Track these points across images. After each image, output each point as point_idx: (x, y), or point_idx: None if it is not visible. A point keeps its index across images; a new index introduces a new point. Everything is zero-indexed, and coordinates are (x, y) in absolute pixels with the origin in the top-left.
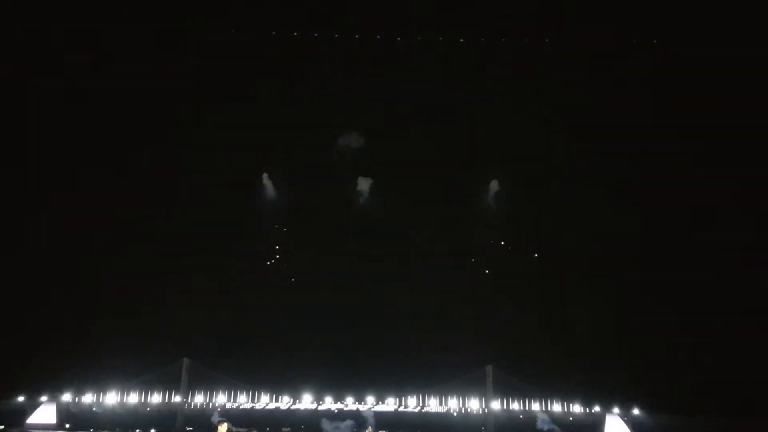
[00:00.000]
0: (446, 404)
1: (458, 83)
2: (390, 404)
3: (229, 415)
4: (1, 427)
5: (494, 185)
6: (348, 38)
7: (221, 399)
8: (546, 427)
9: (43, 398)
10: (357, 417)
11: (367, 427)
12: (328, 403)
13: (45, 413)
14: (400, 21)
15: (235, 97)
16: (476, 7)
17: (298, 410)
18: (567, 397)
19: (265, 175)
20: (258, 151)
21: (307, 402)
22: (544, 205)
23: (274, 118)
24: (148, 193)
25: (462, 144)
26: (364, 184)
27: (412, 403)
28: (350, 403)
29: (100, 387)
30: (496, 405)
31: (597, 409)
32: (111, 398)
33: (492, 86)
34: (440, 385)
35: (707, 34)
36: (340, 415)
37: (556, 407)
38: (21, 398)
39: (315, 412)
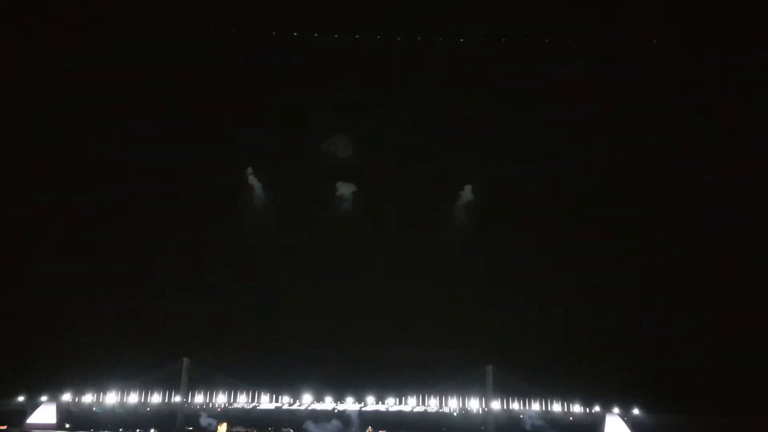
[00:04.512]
0: (446, 404)
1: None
2: (374, 403)
3: (229, 415)
4: (4, 427)
5: (468, 191)
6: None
7: (221, 399)
8: (536, 423)
9: (43, 398)
10: (341, 417)
11: (367, 428)
12: (312, 403)
13: (45, 413)
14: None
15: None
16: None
17: (281, 410)
18: (567, 397)
19: (249, 169)
20: (245, 149)
21: (299, 402)
22: (539, 206)
23: (263, 115)
24: (145, 193)
25: (447, 149)
26: (347, 188)
27: (412, 403)
28: (335, 403)
29: (100, 387)
30: (496, 405)
31: (597, 409)
32: (111, 398)
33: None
34: (440, 385)
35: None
36: (326, 416)
37: (556, 407)
38: (21, 398)
39: (298, 413)
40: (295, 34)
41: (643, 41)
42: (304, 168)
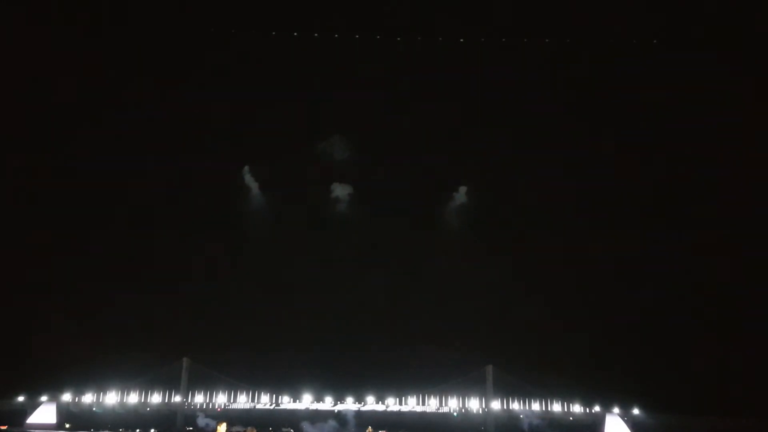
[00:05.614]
0: (446, 404)
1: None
2: (374, 403)
3: (228, 416)
4: (4, 427)
5: (463, 192)
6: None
7: (221, 399)
8: (534, 423)
9: (43, 398)
10: (338, 417)
11: (366, 428)
12: (311, 403)
13: (45, 413)
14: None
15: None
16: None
17: (278, 410)
18: (567, 397)
19: (246, 168)
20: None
21: (299, 402)
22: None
23: (259, 114)
24: (145, 193)
25: (443, 150)
26: (343, 190)
27: (412, 403)
28: (335, 403)
29: (100, 387)
30: (496, 405)
31: (597, 409)
32: (111, 398)
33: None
34: (440, 385)
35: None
36: (323, 416)
37: (556, 407)
38: (21, 398)
39: (295, 413)
40: (295, 34)
41: (643, 41)
42: (301, 168)
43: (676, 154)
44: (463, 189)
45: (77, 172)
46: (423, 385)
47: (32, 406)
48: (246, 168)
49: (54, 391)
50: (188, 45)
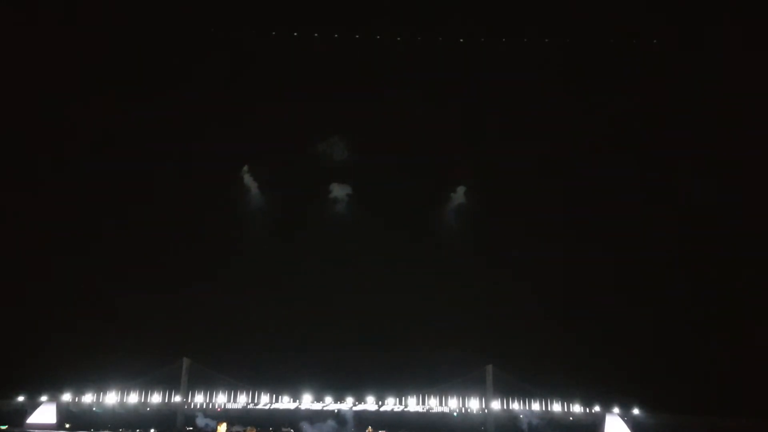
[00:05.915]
0: (446, 404)
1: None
2: (371, 403)
3: (228, 415)
4: (4, 427)
5: (461, 191)
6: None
7: (221, 399)
8: (533, 423)
9: (43, 398)
10: (337, 417)
11: (366, 428)
12: (306, 402)
13: (45, 413)
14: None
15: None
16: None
17: (278, 410)
18: (567, 397)
19: (245, 168)
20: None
21: (299, 402)
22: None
23: (259, 114)
24: (144, 193)
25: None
26: (342, 190)
27: (412, 403)
28: (335, 403)
29: (100, 387)
30: (496, 405)
31: (597, 409)
32: (111, 398)
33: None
34: (440, 385)
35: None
36: (322, 416)
37: (556, 407)
38: (21, 398)
39: (292, 412)
40: (295, 34)
41: (643, 41)
42: (301, 168)
43: (676, 153)
44: (461, 189)
45: (77, 172)
46: (423, 385)
47: (32, 406)
48: (246, 168)
49: (54, 391)
50: (188, 45)
